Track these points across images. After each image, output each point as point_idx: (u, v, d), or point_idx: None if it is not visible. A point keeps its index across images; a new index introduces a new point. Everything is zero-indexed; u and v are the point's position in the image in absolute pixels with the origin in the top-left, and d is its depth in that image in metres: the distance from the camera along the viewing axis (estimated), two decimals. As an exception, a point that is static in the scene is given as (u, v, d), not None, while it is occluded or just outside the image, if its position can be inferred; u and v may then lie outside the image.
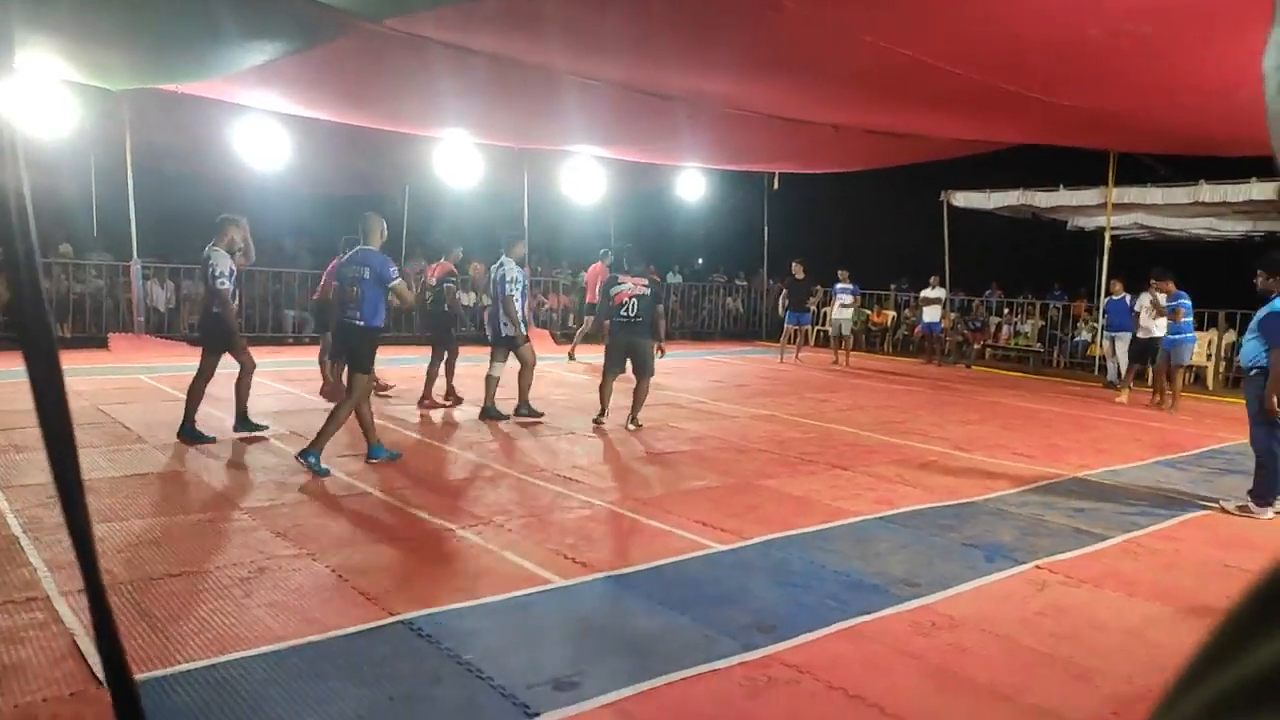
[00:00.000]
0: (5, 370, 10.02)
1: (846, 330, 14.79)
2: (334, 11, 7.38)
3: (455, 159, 13.68)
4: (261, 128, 11.91)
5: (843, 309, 14.75)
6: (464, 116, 12.06)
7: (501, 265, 8.07)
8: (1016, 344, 15.90)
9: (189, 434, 6.69)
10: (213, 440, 6.72)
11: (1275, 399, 5.36)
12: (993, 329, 16.38)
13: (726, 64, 8.55)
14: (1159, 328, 10.69)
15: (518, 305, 7.99)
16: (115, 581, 3.91)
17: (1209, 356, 13.17)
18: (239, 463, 6.14)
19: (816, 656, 3.43)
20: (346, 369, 6.35)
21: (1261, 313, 5.50)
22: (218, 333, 6.86)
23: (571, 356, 13.10)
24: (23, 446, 6.26)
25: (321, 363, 8.92)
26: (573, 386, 10.17)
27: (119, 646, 0.68)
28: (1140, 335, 11.24)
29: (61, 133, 10.55)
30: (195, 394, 6.79)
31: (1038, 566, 4.60)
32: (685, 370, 12.59)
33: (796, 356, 14.71)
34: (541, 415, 8.17)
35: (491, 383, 8.18)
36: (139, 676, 3.04)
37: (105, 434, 6.83)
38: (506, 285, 7.97)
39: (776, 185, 17.48)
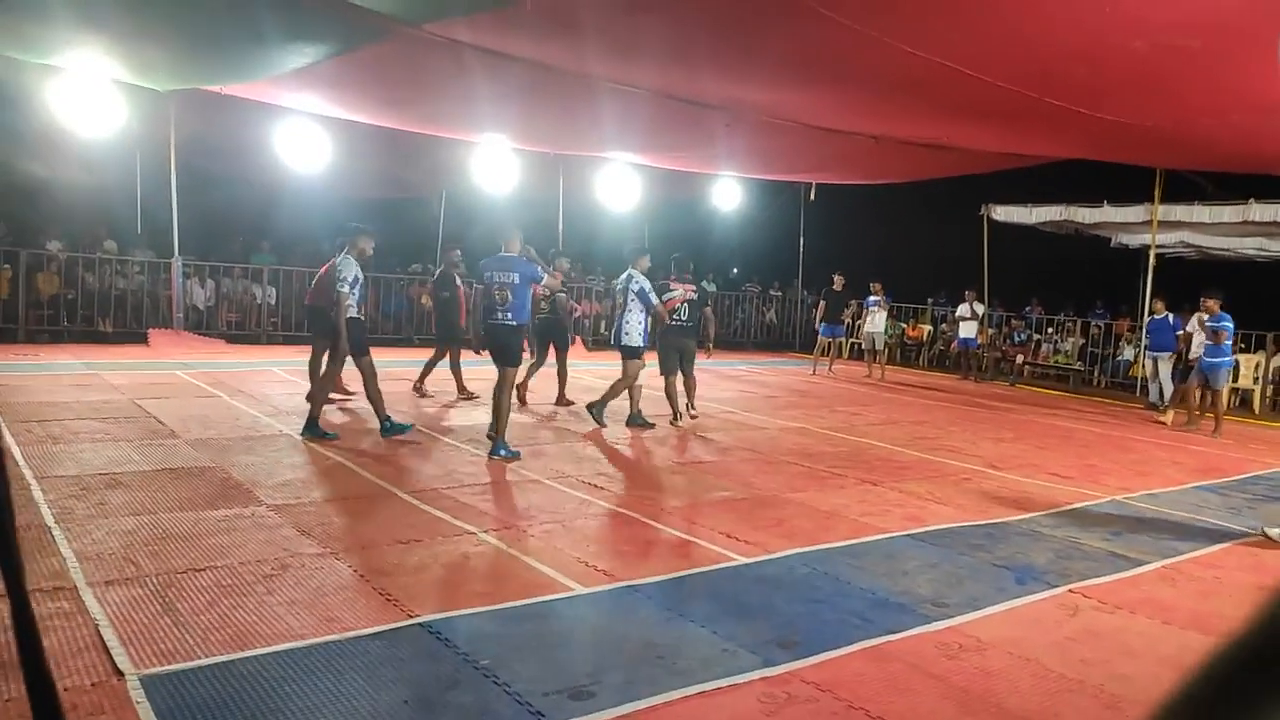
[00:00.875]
0: (44, 363, 10.28)
1: (880, 344, 14.67)
2: (374, 15, 7.47)
3: (492, 164, 13.78)
4: (302, 130, 12.09)
5: (875, 321, 14.65)
6: (501, 121, 12.15)
7: (632, 277, 8.17)
8: (1057, 362, 15.63)
9: (390, 429, 7.12)
10: (409, 429, 7.24)
11: None
12: (1033, 346, 16.12)
13: (764, 72, 8.52)
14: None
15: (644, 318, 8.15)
16: (141, 574, 3.96)
17: (1255, 380, 12.84)
18: (268, 460, 6.20)
19: (838, 675, 3.37)
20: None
21: None
22: (333, 332, 7.11)
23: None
24: (59, 438, 6.39)
25: (454, 369, 9.35)
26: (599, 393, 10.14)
27: (41, 650, 0.66)
28: (1192, 357, 11.07)
29: (108, 131, 10.79)
30: (369, 394, 7.12)
31: (1071, 590, 4.49)
32: (716, 380, 12.54)
33: (830, 369, 14.59)
34: (651, 425, 8.24)
35: (637, 390, 8.34)
36: (162, 669, 3.07)
37: (139, 428, 6.95)
38: (650, 296, 8.10)
39: (813, 196, 17.37)
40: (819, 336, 14.65)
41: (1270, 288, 14.17)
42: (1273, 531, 5.48)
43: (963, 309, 15.00)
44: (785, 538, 5.05)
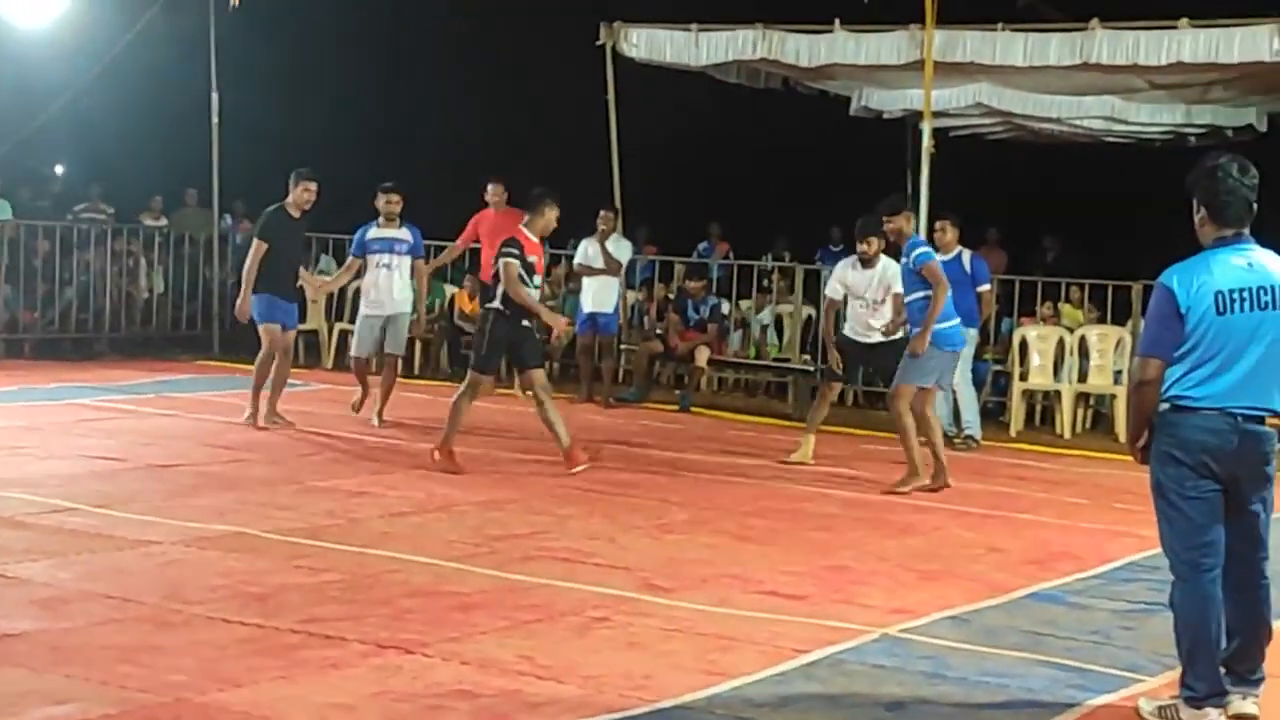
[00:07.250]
0: None
1: (400, 339, 14.39)
2: None
3: None
4: None
5: (395, 283, 14.67)
6: None
7: None
8: (756, 355, 16.92)
9: None
10: None
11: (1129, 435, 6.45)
12: (721, 325, 17.29)
13: None
14: (877, 321, 12.42)
15: None
16: None
17: (1117, 377, 14.80)
18: None
19: None
20: None
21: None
22: None
23: None
24: None
25: None
26: None
27: None
28: (852, 335, 12.90)
29: None
30: None
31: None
32: (23, 432, 12.10)
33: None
34: None
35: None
36: None
37: None
38: None
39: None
40: (261, 323, 14.49)
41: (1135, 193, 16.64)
42: (1147, 706, 6.36)
43: (585, 250, 15.71)
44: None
